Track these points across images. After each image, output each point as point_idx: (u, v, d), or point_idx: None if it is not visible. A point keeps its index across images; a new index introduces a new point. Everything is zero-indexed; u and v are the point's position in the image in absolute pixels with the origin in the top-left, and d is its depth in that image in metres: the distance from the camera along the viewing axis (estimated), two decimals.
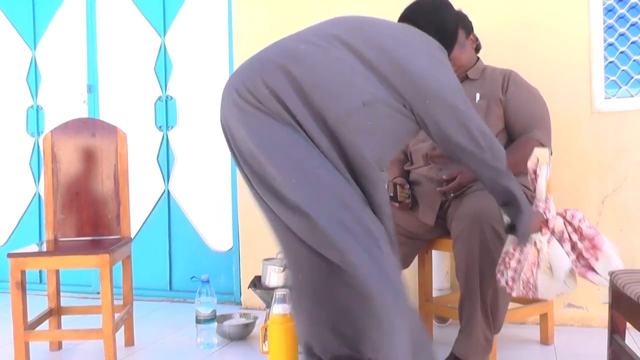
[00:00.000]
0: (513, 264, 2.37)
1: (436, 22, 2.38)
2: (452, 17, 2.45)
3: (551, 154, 3.03)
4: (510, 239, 2.43)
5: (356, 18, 2.28)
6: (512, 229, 2.32)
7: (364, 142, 2.04)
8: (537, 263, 2.31)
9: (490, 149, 2.14)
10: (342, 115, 2.01)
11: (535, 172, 2.42)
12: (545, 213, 2.34)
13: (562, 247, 2.29)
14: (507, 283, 2.40)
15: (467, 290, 2.66)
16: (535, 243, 2.32)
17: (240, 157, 2.09)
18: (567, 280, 2.26)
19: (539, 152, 2.51)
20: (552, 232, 2.33)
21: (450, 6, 2.47)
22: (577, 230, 2.30)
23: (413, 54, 2.13)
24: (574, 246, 2.30)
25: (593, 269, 2.26)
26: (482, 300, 2.64)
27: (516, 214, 2.26)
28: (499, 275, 2.44)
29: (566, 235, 2.32)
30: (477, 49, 3.17)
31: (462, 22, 3.07)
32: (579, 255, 2.29)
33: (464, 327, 2.69)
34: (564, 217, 2.36)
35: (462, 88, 2.19)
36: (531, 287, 2.33)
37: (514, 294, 2.39)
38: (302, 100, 2.02)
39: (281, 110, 2.00)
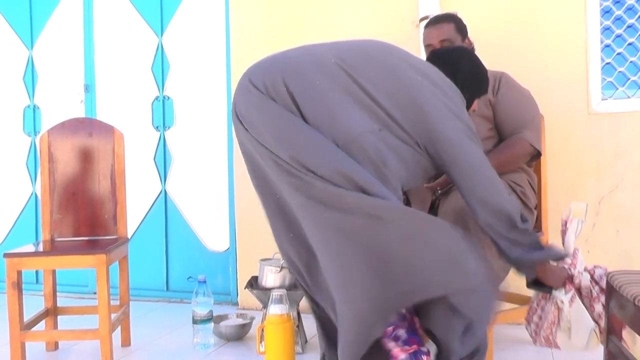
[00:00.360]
0: (535, 319, 2.37)
1: (461, 73, 2.40)
2: (476, 70, 2.49)
3: (541, 154, 3.05)
4: (535, 292, 2.44)
5: (387, 55, 2.25)
6: (534, 283, 2.32)
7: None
8: (557, 322, 2.29)
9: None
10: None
11: (565, 224, 2.40)
12: (570, 269, 2.31)
13: (594, 306, 2.23)
14: (531, 335, 2.40)
15: None
16: (556, 301, 2.30)
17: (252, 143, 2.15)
18: (589, 341, 2.23)
19: (574, 206, 2.50)
20: (578, 290, 2.29)
21: (476, 60, 2.51)
22: (604, 290, 2.22)
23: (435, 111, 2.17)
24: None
25: None
26: None
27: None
28: (525, 324, 2.46)
29: (595, 294, 2.27)
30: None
31: (458, 26, 3.11)
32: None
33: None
34: (592, 275, 2.32)
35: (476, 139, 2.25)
36: (552, 343, 2.32)
37: (537, 345, 2.38)
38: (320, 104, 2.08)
39: (294, 109, 2.07)
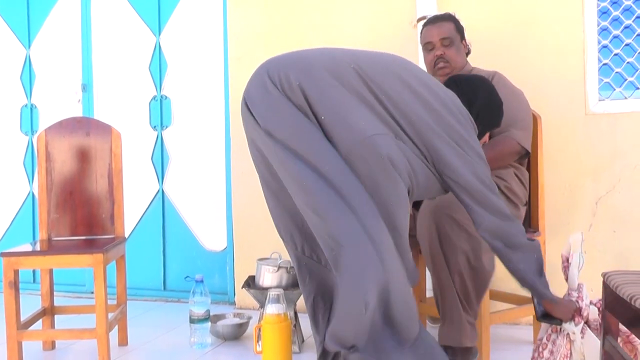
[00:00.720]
0: (546, 354, 2.36)
1: (478, 102, 2.47)
2: (493, 102, 2.56)
3: (529, 153, 3.05)
4: (544, 327, 2.45)
5: (406, 73, 2.29)
6: (544, 316, 2.34)
7: None
8: (570, 354, 2.29)
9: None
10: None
11: (567, 260, 2.41)
12: (578, 302, 2.32)
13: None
14: None
15: (438, 280, 2.73)
16: (567, 334, 2.31)
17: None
18: None
19: (572, 240, 2.52)
20: (587, 322, 2.30)
21: (493, 92, 2.58)
22: None
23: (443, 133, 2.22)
24: None
25: None
26: (455, 287, 2.69)
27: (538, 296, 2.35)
28: None
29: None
30: (467, 53, 3.21)
31: (457, 27, 3.12)
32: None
33: (443, 316, 2.76)
34: (598, 308, 2.32)
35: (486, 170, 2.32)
36: None
37: None
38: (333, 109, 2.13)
39: (306, 108, 2.11)
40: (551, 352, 2.33)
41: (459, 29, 3.15)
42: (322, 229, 2.16)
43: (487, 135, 2.61)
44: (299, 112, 2.11)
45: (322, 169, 2.08)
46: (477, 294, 2.76)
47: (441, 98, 2.25)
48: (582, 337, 2.30)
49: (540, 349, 2.38)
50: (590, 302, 2.36)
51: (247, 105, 2.24)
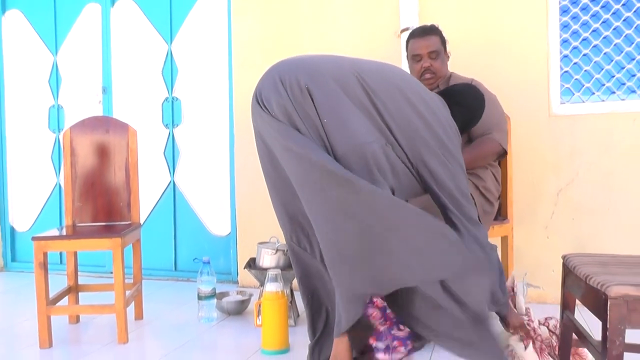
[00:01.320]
0: None
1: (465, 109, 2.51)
2: (477, 107, 2.58)
3: (506, 153, 3.07)
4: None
5: (403, 83, 2.29)
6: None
7: None
8: None
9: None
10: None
11: (513, 290, 2.41)
12: (529, 324, 2.32)
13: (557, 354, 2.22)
14: None
15: None
16: (512, 351, 2.32)
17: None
18: None
19: (515, 274, 2.59)
20: (541, 341, 2.30)
21: (480, 99, 2.59)
22: (559, 338, 2.20)
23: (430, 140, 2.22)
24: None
25: None
26: None
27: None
28: None
29: (554, 343, 2.27)
30: (447, 59, 3.21)
31: (442, 39, 3.11)
32: None
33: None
34: (548, 327, 2.33)
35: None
36: None
37: None
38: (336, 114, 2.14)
39: (312, 110, 2.12)
40: None
41: (443, 41, 3.13)
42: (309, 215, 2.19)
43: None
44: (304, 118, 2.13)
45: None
46: None
47: (433, 110, 2.26)
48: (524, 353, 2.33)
49: None
50: (539, 323, 2.37)
51: (258, 100, 2.23)
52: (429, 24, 3.20)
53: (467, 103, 2.52)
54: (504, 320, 2.35)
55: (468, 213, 2.22)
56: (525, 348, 2.26)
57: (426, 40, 3.05)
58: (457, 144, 2.31)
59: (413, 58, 3.14)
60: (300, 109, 2.11)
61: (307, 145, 2.08)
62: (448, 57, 3.18)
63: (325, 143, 2.09)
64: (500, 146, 2.97)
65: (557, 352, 2.21)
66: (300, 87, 2.11)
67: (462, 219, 2.19)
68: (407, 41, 3.18)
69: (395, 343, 2.24)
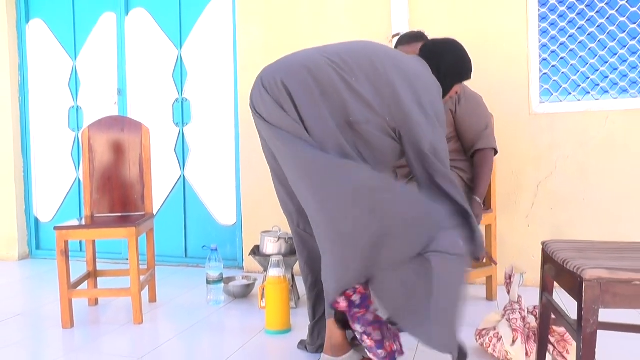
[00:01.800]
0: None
1: (442, 65, 2.35)
2: (459, 61, 2.44)
3: (497, 152, 3.07)
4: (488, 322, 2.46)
5: (371, 52, 2.21)
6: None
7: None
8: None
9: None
10: (342, 125, 2.08)
11: (510, 278, 2.40)
12: (520, 312, 2.32)
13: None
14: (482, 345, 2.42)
15: None
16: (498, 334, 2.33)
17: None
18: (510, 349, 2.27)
19: (515, 264, 2.60)
20: (529, 329, 2.30)
21: (459, 52, 2.45)
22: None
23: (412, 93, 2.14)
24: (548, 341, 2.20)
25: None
26: None
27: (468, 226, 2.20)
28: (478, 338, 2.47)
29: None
30: None
31: None
32: (554, 349, 2.25)
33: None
34: (535, 315, 2.32)
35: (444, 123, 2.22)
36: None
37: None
38: (310, 99, 2.06)
39: (291, 107, 2.08)
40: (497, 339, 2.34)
41: None
42: (307, 209, 2.18)
43: (457, 86, 2.47)
44: (284, 114, 2.09)
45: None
46: None
47: (406, 70, 2.17)
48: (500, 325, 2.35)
49: (487, 341, 2.39)
50: (528, 312, 2.37)
51: (250, 106, 2.24)
52: (416, 29, 3.19)
53: (447, 62, 2.38)
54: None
55: (446, 173, 2.15)
56: (514, 342, 2.26)
57: (412, 47, 3.02)
58: (436, 103, 2.21)
59: None
60: (282, 104, 2.08)
61: (293, 142, 2.07)
62: None
63: (306, 132, 2.06)
64: (494, 149, 3.02)
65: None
66: (277, 84, 2.09)
67: (442, 172, 2.13)
68: (395, 47, 3.17)
69: (370, 328, 2.20)
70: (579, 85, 3.50)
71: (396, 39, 3.36)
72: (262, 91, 2.15)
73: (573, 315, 1.64)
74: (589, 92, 3.48)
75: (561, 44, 3.52)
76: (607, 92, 3.45)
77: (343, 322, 2.20)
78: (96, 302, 3.41)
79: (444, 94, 2.36)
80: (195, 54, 4.47)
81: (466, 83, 3.13)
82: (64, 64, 4.90)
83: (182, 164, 4.55)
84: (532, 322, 2.32)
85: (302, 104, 2.07)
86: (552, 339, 2.25)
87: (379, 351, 2.16)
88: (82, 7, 4.81)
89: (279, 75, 2.11)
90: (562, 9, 3.51)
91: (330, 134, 2.05)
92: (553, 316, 1.94)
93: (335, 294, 2.11)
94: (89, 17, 4.79)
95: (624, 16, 3.41)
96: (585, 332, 1.52)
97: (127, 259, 3.00)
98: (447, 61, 2.36)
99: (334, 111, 2.07)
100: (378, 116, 2.09)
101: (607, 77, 3.45)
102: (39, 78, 4.99)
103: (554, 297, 1.97)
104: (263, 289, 2.96)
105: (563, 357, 2.23)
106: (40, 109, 4.99)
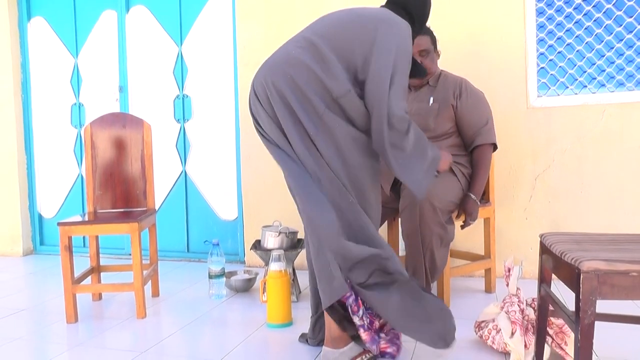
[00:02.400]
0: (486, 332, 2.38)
1: (411, 6, 2.32)
2: (422, 4, 2.38)
3: (496, 148, 3.07)
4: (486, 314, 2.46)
5: (334, 21, 2.20)
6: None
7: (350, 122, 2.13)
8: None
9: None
10: (331, 104, 2.08)
11: (509, 270, 2.40)
12: (519, 305, 2.32)
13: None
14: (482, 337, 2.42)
15: (411, 252, 2.76)
16: (497, 326, 2.34)
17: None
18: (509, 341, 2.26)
19: (514, 258, 2.52)
20: (528, 321, 2.30)
21: None
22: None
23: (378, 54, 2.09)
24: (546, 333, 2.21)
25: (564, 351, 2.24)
26: (424, 258, 2.72)
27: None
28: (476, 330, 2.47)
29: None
30: (438, 57, 3.20)
31: (432, 39, 3.09)
32: (552, 341, 2.25)
33: (411, 277, 2.75)
34: (534, 307, 2.32)
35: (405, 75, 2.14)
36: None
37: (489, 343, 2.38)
38: (297, 94, 2.06)
39: (284, 98, 2.11)
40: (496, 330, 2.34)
41: (434, 41, 3.10)
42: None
43: (426, 40, 2.51)
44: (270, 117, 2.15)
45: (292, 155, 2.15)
46: (435, 273, 2.79)
47: (377, 17, 2.15)
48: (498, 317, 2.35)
49: (485, 333, 2.40)
50: (527, 304, 2.37)
51: (250, 114, 2.30)
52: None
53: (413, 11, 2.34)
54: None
55: (397, 140, 2.09)
56: (512, 334, 2.26)
57: (417, 40, 3.02)
58: (406, 40, 2.16)
59: None
60: (274, 106, 2.12)
61: (284, 161, 2.16)
62: (438, 55, 3.17)
63: (301, 126, 2.09)
64: (494, 144, 3.02)
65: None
66: (266, 84, 2.12)
67: (392, 140, 2.09)
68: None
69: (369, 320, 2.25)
70: (576, 79, 3.49)
71: None
72: (254, 100, 2.21)
73: (571, 306, 1.64)
74: (586, 86, 3.48)
75: (558, 38, 3.52)
76: (603, 85, 3.45)
77: (338, 316, 2.22)
78: (100, 297, 3.41)
79: (415, 35, 2.32)
80: (196, 51, 4.47)
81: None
82: (66, 62, 4.89)
83: (184, 159, 4.55)
84: (531, 314, 2.32)
85: (291, 97, 2.10)
86: (550, 331, 2.25)
87: (373, 347, 2.20)
88: (83, 4, 4.81)
89: (266, 76, 2.14)
90: (559, 3, 3.50)
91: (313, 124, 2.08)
92: (551, 308, 1.94)
93: (328, 302, 2.14)
94: (90, 15, 4.79)
95: (621, 10, 3.41)
96: (582, 323, 1.52)
97: (130, 254, 3.01)
98: (414, 5, 2.33)
99: (320, 93, 2.07)
100: (354, 85, 2.10)
101: (603, 70, 3.45)
102: (41, 75, 4.98)
103: (552, 288, 1.97)
104: (264, 283, 2.97)
105: (561, 348, 2.23)
106: (42, 106, 4.99)
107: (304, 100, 2.07)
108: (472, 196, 2.94)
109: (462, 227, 2.99)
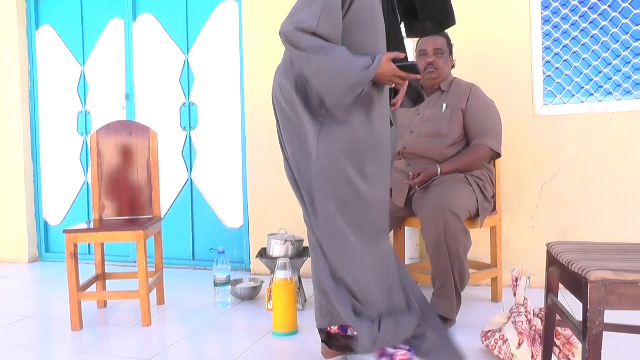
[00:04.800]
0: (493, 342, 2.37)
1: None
2: None
3: (500, 155, 3.06)
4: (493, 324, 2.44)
5: None
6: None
7: None
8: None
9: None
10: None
11: (517, 280, 2.38)
12: (526, 315, 2.31)
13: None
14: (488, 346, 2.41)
15: (439, 264, 2.69)
16: (503, 336, 2.32)
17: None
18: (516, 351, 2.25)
19: (521, 268, 2.56)
20: (535, 332, 2.28)
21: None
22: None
23: None
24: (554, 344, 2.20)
25: None
26: (452, 270, 2.67)
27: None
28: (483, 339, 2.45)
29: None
30: (452, 66, 3.21)
31: (448, 42, 3.12)
32: (560, 352, 2.24)
33: (440, 292, 2.73)
34: (541, 318, 2.31)
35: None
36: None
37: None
38: (301, 94, 2.07)
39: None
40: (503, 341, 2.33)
41: (450, 45, 3.15)
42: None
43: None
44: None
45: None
46: (464, 282, 2.76)
47: None
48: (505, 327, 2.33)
49: (492, 343, 2.38)
50: (534, 314, 2.35)
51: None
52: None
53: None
54: None
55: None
56: (519, 346, 2.24)
57: (433, 39, 3.08)
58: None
59: (419, 54, 3.17)
60: (289, 115, 2.14)
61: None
62: (453, 62, 3.20)
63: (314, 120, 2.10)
64: (491, 151, 3.00)
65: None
66: (280, 88, 2.15)
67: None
68: (418, 41, 3.19)
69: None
70: (583, 87, 3.48)
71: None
72: (274, 111, 2.24)
73: (579, 316, 1.63)
74: (592, 94, 3.47)
75: (564, 47, 3.51)
76: (610, 94, 3.44)
77: (327, 342, 2.23)
78: (105, 304, 3.41)
79: None
80: (202, 59, 4.48)
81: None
82: (73, 70, 4.91)
83: (190, 167, 4.55)
84: (538, 324, 2.30)
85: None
86: (558, 342, 2.23)
87: None
88: (91, 13, 4.83)
89: (276, 81, 2.20)
90: (565, 11, 3.50)
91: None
92: (558, 318, 1.93)
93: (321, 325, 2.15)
94: (97, 24, 4.81)
95: (627, 18, 3.40)
96: (590, 333, 1.51)
97: (136, 262, 3.00)
98: None
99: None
100: None
101: (610, 79, 3.44)
102: (49, 83, 5.00)
103: (559, 298, 1.96)
104: (270, 291, 2.96)
105: (569, 359, 2.22)
106: (49, 113, 5.01)
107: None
108: (438, 165, 2.96)
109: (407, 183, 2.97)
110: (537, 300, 2.48)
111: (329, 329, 2.25)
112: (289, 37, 1.99)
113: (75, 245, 2.96)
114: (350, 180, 2.03)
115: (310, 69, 2.00)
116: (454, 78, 3.19)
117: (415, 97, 2.40)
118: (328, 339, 2.28)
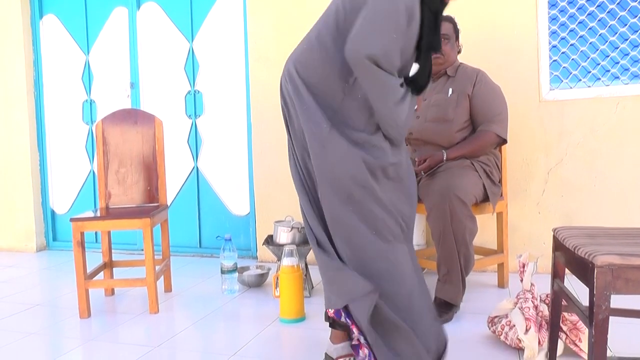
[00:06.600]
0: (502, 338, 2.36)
1: None
2: None
3: (506, 141, 3.06)
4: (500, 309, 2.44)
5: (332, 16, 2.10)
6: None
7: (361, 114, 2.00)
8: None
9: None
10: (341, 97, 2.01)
11: (524, 266, 2.38)
12: (533, 301, 2.30)
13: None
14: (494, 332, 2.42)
15: (445, 250, 2.69)
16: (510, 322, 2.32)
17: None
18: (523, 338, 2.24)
19: (529, 254, 2.56)
20: (542, 317, 2.28)
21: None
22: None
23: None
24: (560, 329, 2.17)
25: (579, 347, 2.22)
26: (458, 256, 2.67)
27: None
28: (490, 325, 2.46)
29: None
30: (458, 52, 3.20)
31: (455, 27, 3.11)
32: (567, 337, 2.24)
33: (446, 278, 2.73)
34: (547, 303, 2.30)
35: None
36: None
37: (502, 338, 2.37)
38: (308, 90, 2.03)
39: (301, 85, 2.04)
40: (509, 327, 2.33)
41: (456, 31, 3.15)
42: None
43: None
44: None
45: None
46: (469, 267, 2.76)
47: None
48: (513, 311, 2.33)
49: (498, 329, 2.39)
50: (541, 300, 2.35)
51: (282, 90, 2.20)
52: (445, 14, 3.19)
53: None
54: None
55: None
56: (527, 331, 2.25)
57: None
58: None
59: None
60: (296, 104, 2.06)
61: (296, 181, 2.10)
62: (459, 47, 3.19)
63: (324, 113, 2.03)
64: (497, 137, 3.00)
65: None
66: (291, 76, 2.07)
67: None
68: None
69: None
70: (589, 72, 3.46)
71: None
72: (284, 76, 2.13)
73: (585, 301, 1.63)
74: (599, 79, 3.45)
75: (571, 31, 3.49)
76: (617, 78, 3.42)
77: (332, 322, 2.22)
78: (112, 292, 3.43)
79: None
80: (207, 47, 4.47)
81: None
82: (77, 59, 4.91)
83: (195, 155, 4.56)
84: (545, 310, 2.31)
85: (310, 82, 2.05)
86: (564, 327, 2.23)
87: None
88: (94, 2, 4.82)
89: (288, 68, 2.11)
90: None
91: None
92: (565, 303, 1.93)
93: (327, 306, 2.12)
94: (101, 12, 4.80)
95: (635, 1, 3.37)
96: (597, 318, 1.51)
97: (142, 250, 3.01)
98: None
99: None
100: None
101: (617, 63, 3.42)
102: (53, 72, 5.01)
103: (565, 283, 1.96)
104: (277, 278, 2.97)
105: (576, 345, 2.22)
106: (54, 103, 5.02)
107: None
108: (444, 151, 2.96)
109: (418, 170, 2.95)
110: (543, 286, 2.48)
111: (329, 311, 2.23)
112: (381, 62, 1.84)
113: (82, 234, 2.98)
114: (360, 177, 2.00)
115: (384, 103, 1.93)
116: (460, 63, 3.18)
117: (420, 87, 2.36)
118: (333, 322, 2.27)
